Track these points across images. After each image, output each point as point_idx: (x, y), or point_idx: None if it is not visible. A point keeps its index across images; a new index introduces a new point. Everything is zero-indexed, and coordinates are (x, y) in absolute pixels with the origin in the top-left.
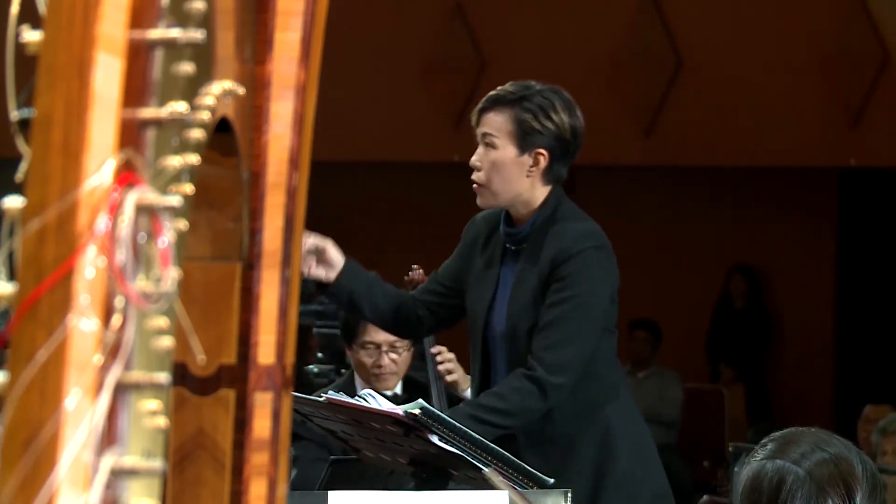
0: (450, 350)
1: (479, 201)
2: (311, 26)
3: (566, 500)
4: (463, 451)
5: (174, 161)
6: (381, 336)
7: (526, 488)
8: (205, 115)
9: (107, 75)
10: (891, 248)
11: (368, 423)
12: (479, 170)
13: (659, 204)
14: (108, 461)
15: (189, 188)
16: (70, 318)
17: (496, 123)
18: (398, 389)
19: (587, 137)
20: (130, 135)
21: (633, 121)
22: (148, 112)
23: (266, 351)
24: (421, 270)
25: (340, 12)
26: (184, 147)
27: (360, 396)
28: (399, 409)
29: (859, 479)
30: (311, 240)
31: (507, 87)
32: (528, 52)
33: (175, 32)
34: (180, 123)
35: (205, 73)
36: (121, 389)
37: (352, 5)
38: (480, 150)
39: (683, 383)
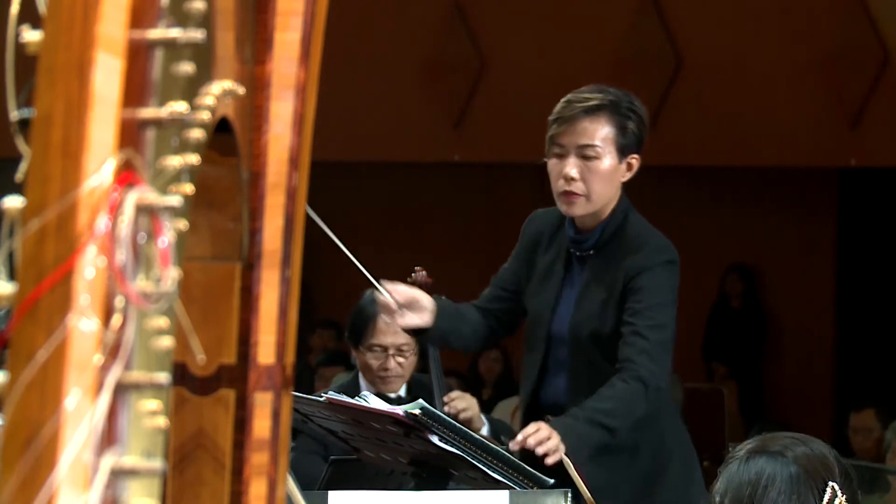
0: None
1: (573, 210)
2: (311, 26)
3: (566, 500)
4: (463, 451)
5: (174, 161)
6: (389, 339)
7: (526, 488)
8: (205, 115)
9: (107, 75)
10: (891, 248)
11: (369, 423)
12: (576, 180)
13: (658, 204)
14: (108, 461)
15: (189, 188)
16: (70, 318)
17: (598, 132)
18: (402, 392)
19: None
20: (130, 135)
21: None
22: (148, 112)
23: (266, 351)
24: (424, 272)
25: (340, 12)
26: (184, 147)
27: (360, 396)
28: (399, 410)
29: (835, 468)
30: (402, 295)
31: (591, 93)
32: (528, 52)
33: (175, 32)
34: (180, 123)
35: (205, 73)
36: (121, 389)
37: (352, 5)
38: (574, 160)
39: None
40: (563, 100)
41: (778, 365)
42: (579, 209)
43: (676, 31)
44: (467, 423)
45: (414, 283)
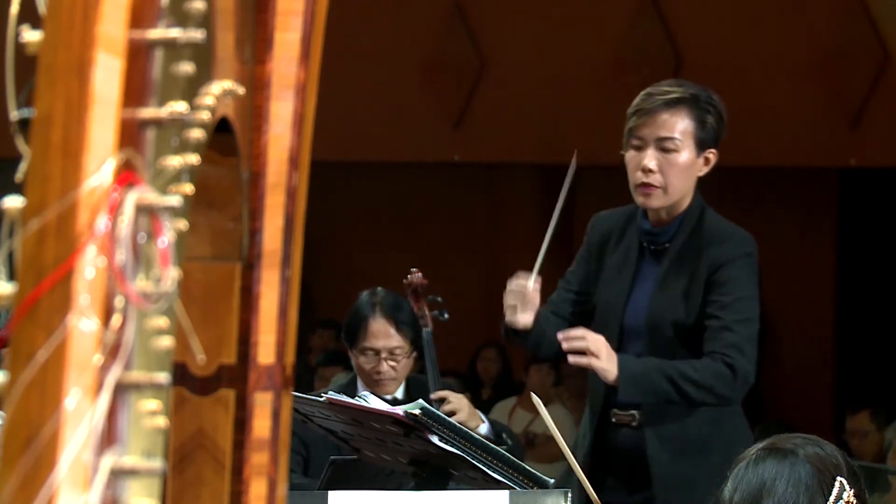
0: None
1: (650, 202)
2: (311, 26)
3: (566, 500)
4: (463, 451)
5: (174, 161)
6: (381, 343)
7: (526, 488)
8: (205, 115)
9: (107, 75)
10: (891, 248)
11: (369, 423)
12: (654, 172)
13: None
14: (108, 461)
15: (189, 188)
16: (70, 318)
17: (678, 125)
18: (399, 393)
19: (586, 137)
20: (130, 135)
21: None
22: (148, 112)
23: (266, 351)
24: (420, 273)
25: (340, 12)
26: (184, 147)
27: (359, 396)
28: (399, 410)
29: (843, 466)
30: (529, 283)
31: (671, 87)
32: (528, 52)
33: (175, 32)
34: (180, 123)
35: (205, 73)
36: (121, 389)
37: (352, 5)
38: (653, 153)
39: None
40: (642, 92)
41: (778, 365)
42: (656, 201)
43: (676, 31)
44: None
45: (409, 285)
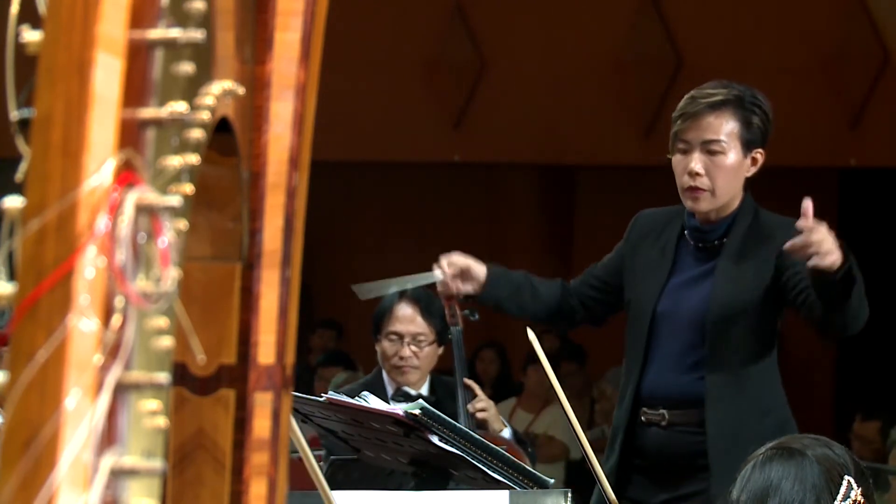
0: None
1: (698, 206)
2: (311, 26)
3: (566, 500)
4: (463, 451)
5: (174, 161)
6: (405, 327)
7: (526, 488)
8: (205, 115)
9: (107, 75)
10: (891, 248)
11: (368, 423)
12: (701, 175)
13: (659, 204)
14: (108, 461)
15: (189, 188)
16: (70, 318)
17: (723, 127)
18: (425, 389)
19: (587, 137)
20: (130, 135)
21: (633, 121)
22: (148, 112)
23: (266, 351)
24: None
25: (340, 12)
26: (184, 147)
27: (360, 397)
28: (399, 410)
29: (851, 466)
30: (456, 262)
31: (715, 89)
32: (528, 52)
33: (175, 32)
34: (180, 123)
35: (205, 73)
36: (121, 389)
37: (352, 5)
38: (699, 156)
39: None
40: (686, 96)
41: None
42: (705, 204)
43: (676, 31)
44: (484, 423)
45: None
